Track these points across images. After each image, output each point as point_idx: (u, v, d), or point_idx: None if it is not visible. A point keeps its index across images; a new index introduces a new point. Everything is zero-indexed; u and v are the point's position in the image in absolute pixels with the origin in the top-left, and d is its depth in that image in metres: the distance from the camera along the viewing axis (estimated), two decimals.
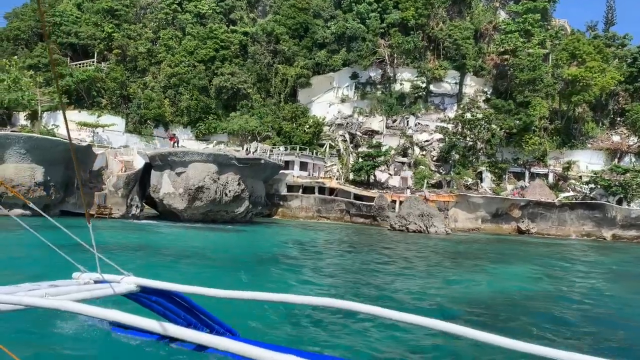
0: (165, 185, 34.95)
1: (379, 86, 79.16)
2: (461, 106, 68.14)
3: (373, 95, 76.89)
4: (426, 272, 19.28)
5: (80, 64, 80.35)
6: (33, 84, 68.83)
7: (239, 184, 34.64)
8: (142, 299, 2.79)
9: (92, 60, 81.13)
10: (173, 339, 2.16)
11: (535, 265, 24.31)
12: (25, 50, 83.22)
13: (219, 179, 33.89)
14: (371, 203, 51.79)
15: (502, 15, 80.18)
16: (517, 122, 62.30)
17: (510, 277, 19.70)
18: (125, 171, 35.15)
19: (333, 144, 74.60)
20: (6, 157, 30.63)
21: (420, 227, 38.23)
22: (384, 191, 55.17)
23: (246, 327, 8.60)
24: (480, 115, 63.22)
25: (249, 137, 68.71)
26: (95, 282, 2.75)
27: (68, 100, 77.73)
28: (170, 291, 2.74)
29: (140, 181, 36.48)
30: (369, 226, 50.09)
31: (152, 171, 36.46)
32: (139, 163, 36.49)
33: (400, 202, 51.26)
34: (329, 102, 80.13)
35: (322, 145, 73.98)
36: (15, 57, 67.65)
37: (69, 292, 2.51)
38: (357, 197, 54.09)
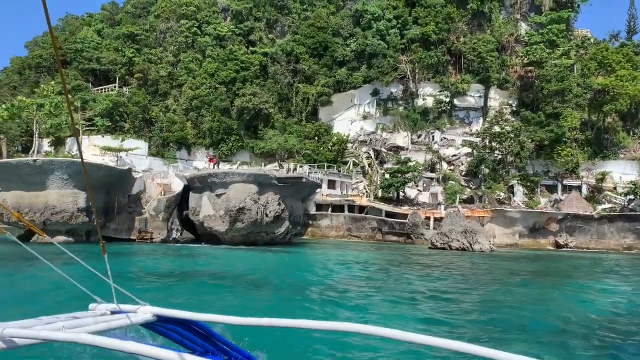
0: (205, 207, 34.17)
1: (400, 102, 78.56)
2: (488, 119, 67.19)
3: (395, 111, 76.26)
4: (537, 292, 18.07)
5: (102, 89, 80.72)
6: (73, 108, 68.89)
7: (279, 204, 33.77)
8: (159, 328, 2.73)
9: (114, 85, 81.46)
10: None
11: (618, 280, 23.38)
12: (47, 77, 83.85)
13: (259, 199, 33.08)
14: (404, 220, 50.67)
15: (524, 27, 79.50)
16: (549, 134, 61.11)
17: (613, 293, 18.72)
18: (164, 194, 34.49)
19: (357, 161, 73.79)
20: (48, 183, 30.06)
21: (464, 244, 37.01)
22: (416, 208, 54.06)
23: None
24: (509, 128, 62.11)
25: (285, 156, 67.86)
26: (112, 312, 2.70)
27: (91, 127, 78.01)
28: (187, 319, 2.67)
29: (178, 204, 35.82)
30: (403, 244, 48.87)
31: (191, 193, 35.71)
32: (177, 186, 35.80)
33: (435, 219, 50.08)
34: (350, 119, 79.55)
35: (345, 163, 73.24)
36: (53, 82, 67.74)
37: (86, 324, 2.45)
38: (389, 214, 53.02)
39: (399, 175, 57.10)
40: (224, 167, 77.30)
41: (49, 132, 65.72)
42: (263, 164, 73.03)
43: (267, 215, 33.25)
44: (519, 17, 79.26)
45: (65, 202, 29.79)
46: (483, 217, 50.67)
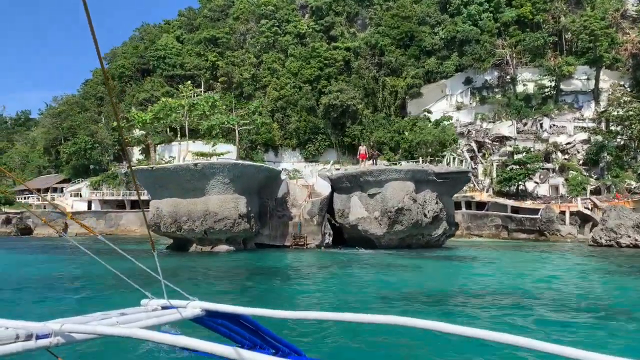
0: (355, 209, 31.46)
1: (496, 89, 74.01)
2: (607, 102, 61.76)
3: (493, 99, 71.71)
4: None
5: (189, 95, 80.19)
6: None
7: (436, 203, 30.63)
8: (208, 322, 2.72)
9: (201, 89, 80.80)
10: None
11: None
12: (133, 86, 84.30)
13: (417, 198, 30.06)
14: (534, 216, 46.44)
15: (631, 0, 73.19)
16: None
17: None
18: (310, 197, 32.04)
19: (455, 155, 69.63)
20: (209, 188, 28.12)
21: (637, 240, 32.72)
22: (542, 201, 49.70)
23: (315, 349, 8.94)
24: (631, 112, 56.52)
25: (429, 150, 63.50)
26: (163, 308, 2.69)
27: (173, 133, 77.56)
28: (235, 314, 2.68)
29: None
30: (535, 241, 44.62)
31: (336, 194, 33.02)
32: (321, 187, 33.28)
33: (571, 214, 45.60)
34: (443, 111, 75.47)
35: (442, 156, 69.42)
36: (189, 82, 67.19)
37: (138, 319, 2.46)
38: (514, 210, 48.91)
39: (520, 166, 52.72)
40: (310, 167, 75.42)
41: (203, 132, 64.15)
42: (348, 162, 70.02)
43: (425, 216, 30.17)
44: None
45: (227, 208, 27.73)
46: None
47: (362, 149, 36.03)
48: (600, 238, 34.68)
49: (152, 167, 29.12)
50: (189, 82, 65.10)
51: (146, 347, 8.33)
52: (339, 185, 32.96)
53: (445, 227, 31.84)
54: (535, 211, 47.00)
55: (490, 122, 69.28)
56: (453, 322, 1.80)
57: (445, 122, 67.79)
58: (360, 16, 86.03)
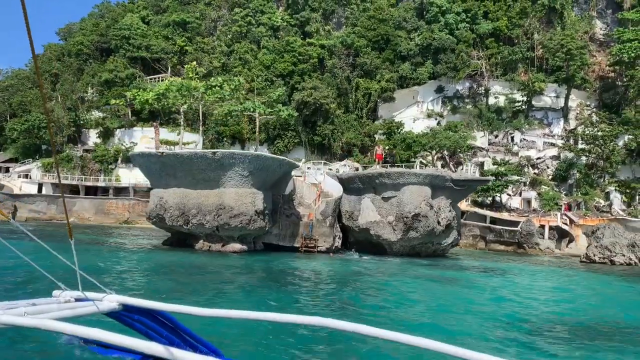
0: (366, 211, 29.85)
1: (467, 100, 74.77)
2: (576, 120, 63.53)
3: (465, 109, 72.36)
4: None
5: (153, 79, 76.23)
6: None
7: (450, 210, 29.59)
8: (124, 318, 2.65)
9: (166, 74, 76.97)
10: (157, 359, 2.11)
11: None
12: (93, 65, 79.29)
13: (433, 204, 28.88)
14: (514, 228, 46.69)
15: (599, 24, 75.91)
16: None
17: None
18: (319, 196, 30.09)
19: (424, 162, 69.71)
20: (225, 180, 25.45)
21: (631, 259, 33.12)
22: (519, 214, 50.17)
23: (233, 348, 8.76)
24: (600, 133, 58.19)
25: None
26: (77, 300, 2.62)
27: (134, 117, 73.68)
28: (154, 310, 2.61)
29: None
30: (513, 254, 44.83)
31: (345, 195, 31.32)
32: (330, 186, 31.34)
33: (550, 228, 46.18)
34: (413, 117, 75.47)
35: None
36: (194, 62, 62.48)
37: (49, 310, 2.39)
38: (492, 220, 49.06)
39: (500, 178, 52.99)
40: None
41: (220, 117, 59.56)
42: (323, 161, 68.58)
43: (439, 223, 29.08)
44: (594, 14, 75.53)
45: (244, 203, 25.31)
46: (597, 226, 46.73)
47: (379, 150, 34.79)
48: (594, 255, 35.01)
49: (162, 153, 26.38)
50: (194, 62, 61.11)
51: (55, 341, 7.80)
52: (349, 185, 31.37)
53: (455, 236, 31.02)
54: (514, 223, 47.31)
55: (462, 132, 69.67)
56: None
57: (421, 129, 67.67)
58: (336, 14, 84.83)
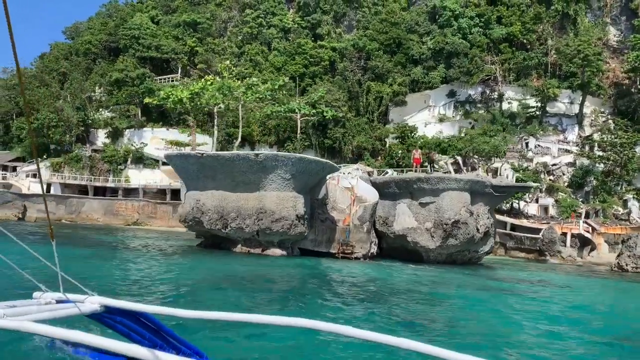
0: (402, 217, 29.06)
1: (479, 105, 74.26)
2: (591, 127, 63.07)
3: (478, 114, 71.81)
4: None
5: (163, 79, 75.44)
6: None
7: (488, 217, 28.88)
8: (106, 320, 2.60)
9: (176, 74, 76.23)
10: None
11: None
12: (102, 65, 78.48)
13: (473, 211, 28.16)
14: (535, 235, 46.01)
15: (612, 30, 75.57)
16: None
17: None
18: (353, 200, 29.27)
19: (437, 167, 69.04)
20: (266, 183, 24.63)
21: None
22: (536, 221, 49.52)
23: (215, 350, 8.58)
24: (618, 140, 57.72)
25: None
26: (58, 301, 2.58)
27: (145, 117, 72.88)
28: (136, 311, 2.57)
29: None
30: (534, 261, 44.19)
31: (379, 200, 30.59)
32: (363, 190, 30.55)
33: (572, 236, 45.55)
34: (424, 121, 74.84)
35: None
36: (227, 61, 61.59)
37: (29, 312, 2.34)
38: (512, 227, 48.38)
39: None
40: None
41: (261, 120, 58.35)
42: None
43: (478, 231, 28.38)
44: (608, 20, 75.20)
45: (286, 207, 24.51)
46: (619, 234, 46.19)
47: (417, 154, 33.95)
48: (626, 265, 34.39)
49: (202, 154, 25.53)
50: (228, 61, 60.36)
51: (33, 344, 6.80)
52: (383, 190, 30.58)
53: (492, 243, 30.35)
54: (535, 230, 46.63)
55: (471, 136, 69.03)
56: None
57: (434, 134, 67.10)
58: (347, 17, 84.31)
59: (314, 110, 58.02)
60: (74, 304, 2.47)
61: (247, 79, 56.38)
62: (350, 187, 29.84)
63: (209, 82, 50.64)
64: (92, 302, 2.50)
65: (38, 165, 3.58)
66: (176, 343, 2.68)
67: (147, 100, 61.92)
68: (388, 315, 13.54)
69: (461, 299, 17.35)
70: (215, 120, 54.91)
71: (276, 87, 54.34)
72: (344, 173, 35.22)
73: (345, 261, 26.98)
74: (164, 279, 17.44)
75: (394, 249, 30.86)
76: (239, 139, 54.23)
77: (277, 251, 25.60)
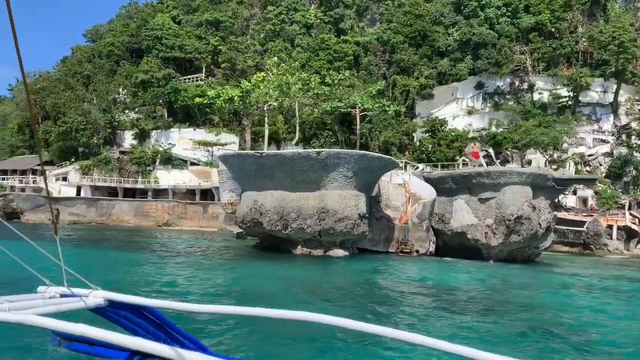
0: (460, 214, 28.15)
1: (508, 96, 72.72)
2: (629, 116, 61.44)
3: (508, 105, 70.29)
4: None
5: (188, 79, 75.08)
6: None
7: (549, 212, 27.87)
8: (110, 314, 2.61)
9: (200, 74, 75.80)
10: (144, 355, 2.12)
11: None
12: (126, 66, 78.30)
13: (535, 205, 27.10)
14: (579, 228, 44.74)
15: None
16: None
17: None
18: (409, 198, 28.45)
19: (467, 160, 67.71)
20: (327, 181, 23.90)
21: None
22: (577, 213, 48.20)
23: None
24: None
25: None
26: (62, 295, 2.62)
27: (171, 118, 72.52)
28: (140, 305, 2.60)
29: None
30: (579, 255, 42.84)
31: (435, 197, 29.68)
32: (417, 187, 29.69)
33: (618, 228, 44.22)
34: (452, 114, 73.51)
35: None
36: (275, 57, 61.13)
37: (34, 305, 2.37)
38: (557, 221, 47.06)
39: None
40: None
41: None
42: None
43: (540, 226, 27.36)
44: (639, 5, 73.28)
45: (348, 206, 23.76)
46: None
47: (475, 147, 33.03)
48: None
49: (261, 153, 24.80)
50: (275, 57, 59.94)
51: (38, 338, 7.57)
52: (439, 186, 29.59)
53: (552, 239, 29.31)
54: (579, 223, 45.35)
55: (505, 128, 67.63)
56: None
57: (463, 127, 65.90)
58: (370, 11, 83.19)
59: (377, 105, 57.16)
60: (78, 297, 2.48)
61: (298, 73, 55.67)
62: (403, 183, 28.93)
63: (259, 79, 49.97)
64: (96, 296, 2.50)
65: (43, 169, 3.35)
66: (180, 337, 2.67)
67: (197, 100, 61.45)
68: (511, 326, 12.57)
69: (575, 302, 16.27)
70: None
71: (335, 81, 53.61)
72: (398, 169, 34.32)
73: (411, 261, 25.89)
74: (249, 289, 16.63)
75: (451, 246, 29.83)
76: (294, 137, 53.50)
77: (340, 252, 24.81)
